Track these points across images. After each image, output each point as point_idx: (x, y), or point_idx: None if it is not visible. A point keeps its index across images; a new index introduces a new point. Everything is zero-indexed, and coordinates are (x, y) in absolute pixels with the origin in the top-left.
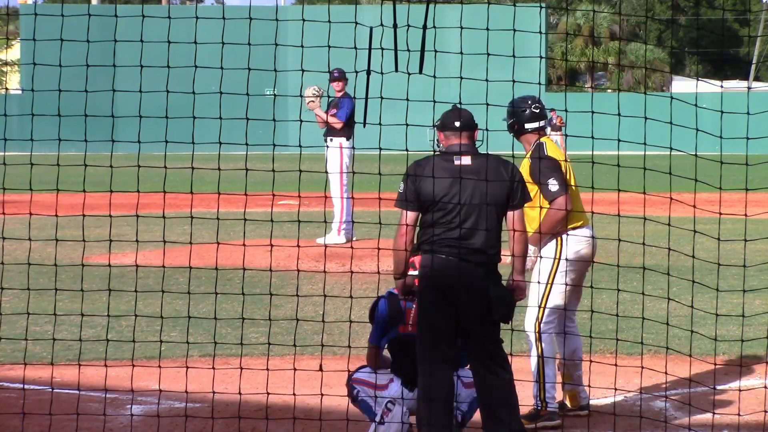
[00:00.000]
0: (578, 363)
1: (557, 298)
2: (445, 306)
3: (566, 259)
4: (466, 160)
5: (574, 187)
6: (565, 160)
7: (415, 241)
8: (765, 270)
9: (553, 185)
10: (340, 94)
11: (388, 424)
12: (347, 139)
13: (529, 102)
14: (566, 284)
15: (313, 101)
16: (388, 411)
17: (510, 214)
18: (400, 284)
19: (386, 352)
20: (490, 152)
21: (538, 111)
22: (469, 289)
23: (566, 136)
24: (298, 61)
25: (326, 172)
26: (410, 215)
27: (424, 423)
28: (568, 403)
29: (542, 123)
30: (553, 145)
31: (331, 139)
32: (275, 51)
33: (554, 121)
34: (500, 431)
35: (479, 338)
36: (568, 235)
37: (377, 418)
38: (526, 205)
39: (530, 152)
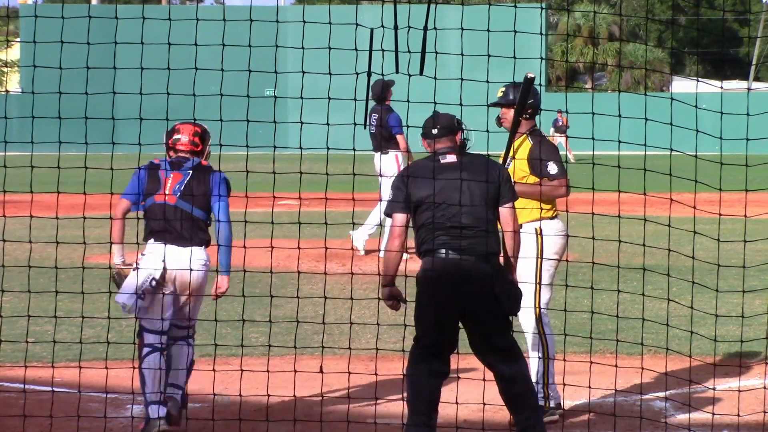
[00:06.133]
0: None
1: (546, 293)
2: (448, 305)
3: (548, 257)
4: (452, 158)
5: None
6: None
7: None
8: (765, 270)
9: (557, 166)
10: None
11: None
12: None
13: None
14: (551, 280)
15: None
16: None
17: (501, 211)
18: (386, 292)
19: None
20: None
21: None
22: (473, 286)
23: (568, 137)
24: (299, 62)
25: (380, 176)
26: (401, 217)
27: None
28: None
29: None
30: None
31: (387, 151)
32: (275, 52)
33: (560, 123)
34: (521, 411)
35: (487, 334)
36: (543, 234)
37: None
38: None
39: (527, 133)
